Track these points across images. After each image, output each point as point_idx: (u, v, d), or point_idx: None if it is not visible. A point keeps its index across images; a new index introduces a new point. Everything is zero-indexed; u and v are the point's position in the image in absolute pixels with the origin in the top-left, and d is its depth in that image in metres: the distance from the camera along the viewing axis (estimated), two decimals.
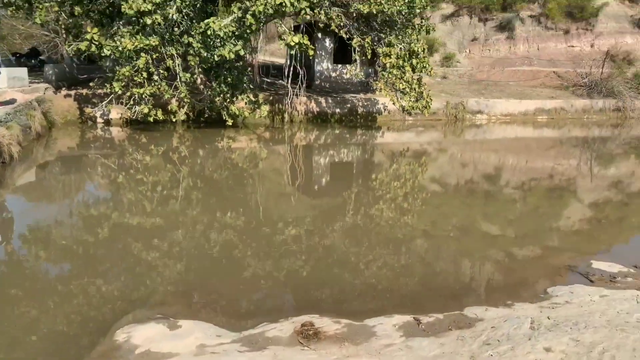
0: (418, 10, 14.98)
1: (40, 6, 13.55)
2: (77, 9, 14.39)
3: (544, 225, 8.22)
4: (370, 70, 20.44)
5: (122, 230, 7.20)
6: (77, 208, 8.51)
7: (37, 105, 14.00)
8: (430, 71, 15.65)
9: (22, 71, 15.55)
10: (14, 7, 13.85)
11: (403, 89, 14.94)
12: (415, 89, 15.07)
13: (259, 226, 7.63)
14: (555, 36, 33.86)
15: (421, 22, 16.73)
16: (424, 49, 15.11)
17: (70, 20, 14.50)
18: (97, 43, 13.21)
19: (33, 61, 21.88)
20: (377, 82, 15.73)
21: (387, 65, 14.75)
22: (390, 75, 14.78)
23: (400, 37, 15.17)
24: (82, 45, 13.47)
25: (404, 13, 14.48)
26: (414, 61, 14.82)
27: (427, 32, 17.20)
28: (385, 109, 19.05)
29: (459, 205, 9.51)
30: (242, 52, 13.01)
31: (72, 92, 16.12)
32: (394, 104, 16.01)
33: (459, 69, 28.46)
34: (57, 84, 16.55)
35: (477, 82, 25.37)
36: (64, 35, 17.89)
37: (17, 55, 22.53)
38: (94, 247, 6.54)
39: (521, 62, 29.14)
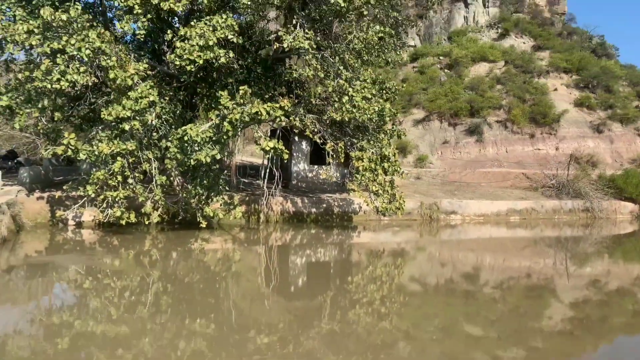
0: (388, 118, 15.78)
1: (21, 112, 13.81)
2: (58, 115, 14.71)
3: (526, 325, 8.05)
4: (345, 171, 20.99)
5: (85, 339, 6.77)
6: (37, 315, 8.02)
7: (7, 209, 13.74)
8: (402, 174, 16.15)
9: None
10: None
11: (376, 191, 15.28)
12: (388, 191, 15.42)
13: (230, 333, 7.27)
14: (522, 140, 35.75)
15: (392, 127, 17.59)
16: (394, 153, 15.71)
17: (50, 126, 14.73)
18: (73, 148, 13.33)
19: (10, 163, 21.87)
20: (351, 184, 16.10)
21: (360, 168, 15.19)
22: (363, 178, 15.17)
23: (372, 142, 15.82)
24: (59, 150, 13.58)
25: (374, 120, 15.22)
26: (386, 164, 15.34)
27: (399, 136, 18.02)
28: (360, 209, 19.29)
29: (440, 306, 9.32)
30: (218, 156, 13.28)
31: (45, 195, 15.96)
32: (367, 205, 16.26)
33: (432, 170, 29.45)
34: (31, 187, 16.41)
35: (450, 182, 26.15)
36: (43, 139, 18.10)
37: None
38: (53, 358, 6.07)
39: (491, 164, 30.37)
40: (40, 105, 13.87)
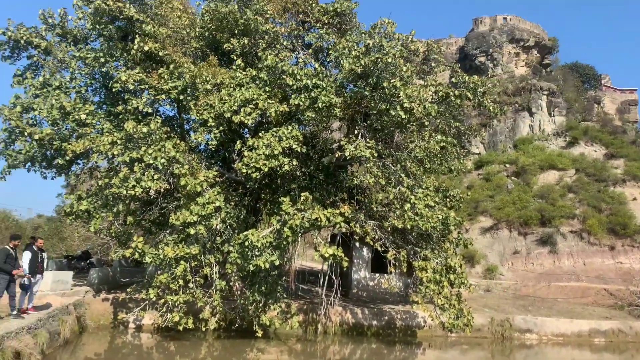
0: (452, 227, 15.26)
1: (97, 216, 14.66)
2: (130, 219, 15.49)
3: None
4: (409, 280, 20.10)
5: None
6: None
7: (73, 309, 14.10)
8: (469, 287, 15.18)
9: (67, 275, 16.13)
10: (73, 217, 15.04)
11: (442, 304, 14.35)
12: (454, 305, 14.44)
13: None
14: (601, 252, 33.23)
15: (458, 236, 16.95)
16: (461, 264, 14.94)
17: (121, 229, 15.47)
18: (140, 251, 13.79)
19: (83, 263, 22.93)
20: (415, 295, 15.27)
21: (424, 279, 14.48)
22: (427, 290, 14.38)
23: (436, 251, 15.22)
24: (127, 253, 14.09)
25: (438, 229, 14.76)
26: (452, 276, 14.54)
27: (465, 245, 17.28)
28: (425, 323, 18.05)
29: None
30: (277, 262, 13.20)
31: (110, 296, 16.32)
32: (432, 320, 15.23)
33: (502, 282, 27.62)
34: (98, 287, 16.91)
35: (523, 297, 24.28)
36: (115, 241, 18.98)
37: (69, 257, 23.79)
38: None
39: (568, 278, 28.14)
40: (115, 210, 14.70)
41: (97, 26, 16.01)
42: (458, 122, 18.07)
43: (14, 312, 11.39)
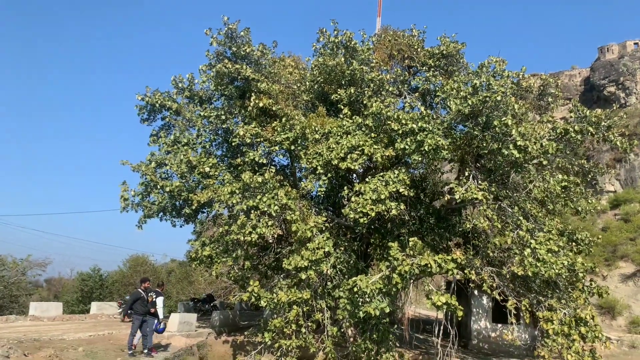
0: (581, 274, 13.81)
1: (218, 261, 15.70)
2: (247, 263, 16.33)
3: None
4: (536, 332, 18.37)
5: None
6: None
7: (196, 350, 15.01)
8: (606, 342, 13.44)
9: (192, 317, 17.28)
10: (198, 262, 16.27)
11: None
12: None
13: None
14: None
15: (590, 284, 15.29)
16: (593, 315, 13.36)
17: (240, 273, 16.35)
18: (256, 295, 14.40)
19: (207, 306, 24.42)
20: (541, 349, 13.86)
21: (550, 331, 13.15)
22: (554, 344, 13.02)
23: (563, 300, 13.82)
24: (244, 296, 14.80)
25: (564, 276, 13.46)
26: (583, 329, 13.01)
27: (600, 295, 15.49)
28: None
29: None
30: (387, 309, 12.92)
31: (230, 339, 17.12)
32: None
33: None
34: (219, 330, 17.85)
35: None
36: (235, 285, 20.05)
37: (195, 300, 25.53)
38: None
39: None
40: (234, 255, 15.64)
41: (219, 87, 17.67)
42: (582, 159, 16.64)
43: (145, 351, 12.45)
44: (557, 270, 12.96)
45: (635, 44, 72.13)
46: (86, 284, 34.51)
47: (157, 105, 18.93)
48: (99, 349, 12.35)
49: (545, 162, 14.43)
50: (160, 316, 13.46)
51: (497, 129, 13.92)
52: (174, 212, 18.27)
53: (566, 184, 14.78)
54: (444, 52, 18.57)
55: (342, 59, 17.03)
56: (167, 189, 16.69)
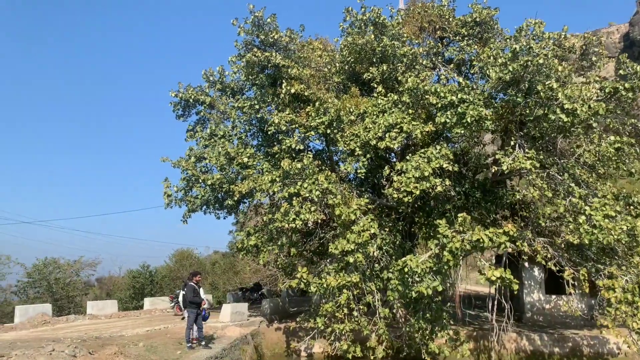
0: None
1: (264, 249, 15.79)
2: (293, 250, 16.38)
3: None
4: (593, 301, 17.77)
5: None
6: None
7: (251, 339, 15.20)
8: None
9: (243, 306, 17.51)
10: (244, 252, 16.41)
11: (638, 328, 12.32)
12: None
13: None
14: None
15: None
16: None
17: (286, 260, 16.42)
18: (305, 281, 14.42)
19: (255, 295, 24.75)
20: (603, 318, 13.36)
21: (612, 300, 12.64)
22: (617, 312, 12.50)
23: (624, 267, 13.24)
24: (293, 283, 14.86)
25: (623, 242, 12.87)
26: None
27: None
28: (619, 351, 15.66)
29: None
30: (440, 288, 12.69)
31: (282, 326, 17.28)
32: (628, 347, 13.15)
33: None
34: (270, 317, 18.04)
35: None
36: (282, 272, 20.21)
37: (243, 289, 25.92)
38: None
39: None
40: (279, 243, 15.70)
41: (250, 77, 17.58)
42: (634, 119, 15.78)
43: (203, 343, 12.66)
44: (616, 236, 12.41)
45: None
46: (137, 280, 35.55)
47: (191, 100, 19.06)
48: (158, 344, 12.63)
49: (595, 125, 13.75)
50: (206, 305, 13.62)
51: (541, 93, 13.32)
52: (216, 205, 18.46)
53: (620, 145, 14.06)
54: (477, 19, 17.88)
55: (372, 36, 16.62)
56: (209, 182, 16.84)
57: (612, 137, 14.33)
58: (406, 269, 12.58)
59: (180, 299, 13.54)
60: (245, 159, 16.66)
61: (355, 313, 14.49)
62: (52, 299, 27.40)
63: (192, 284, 12.72)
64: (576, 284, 14.50)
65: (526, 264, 18.80)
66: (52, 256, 31.88)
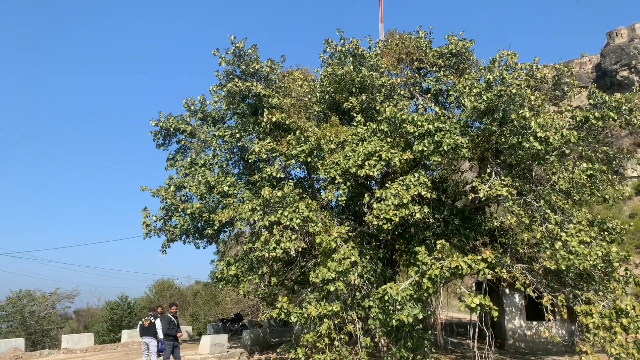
0: (617, 263, 13.41)
1: (244, 279, 15.61)
2: (274, 280, 16.22)
3: None
4: (573, 327, 17.87)
5: None
6: None
7: None
8: None
9: (223, 338, 17.18)
10: (224, 282, 16.20)
11: (617, 354, 12.40)
12: (634, 355, 12.37)
13: None
14: None
15: (626, 273, 14.86)
16: (634, 305, 12.91)
17: (267, 290, 16.24)
18: (285, 310, 14.26)
19: (236, 325, 24.32)
20: (582, 344, 13.43)
21: (590, 325, 12.74)
22: (596, 338, 12.60)
23: (601, 292, 13.40)
24: (274, 313, 14.66)
25: (599, 267, 13.07)
26: (624, 321, 12.57)
27: (637, 284, 15.02)
28: None
29: None
30: (420, 316, 12.66)
31: (263, 357, 16.99)
32: None
33: None
34: (251, 349, 17.72)
35: None
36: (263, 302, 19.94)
37: (224, 320, 25.44)
38: None
39: None
40: (260, 272, 15.55)
41: (231, 106, 17.71)
42: (605, 146, 16.26)
43: None
44: (591, 262, 12.60)
45: None
46: (115, 312, 34.69)
47: (172, 129, 19.06)
48: None
49: (568, 152, 14.11)
50: (160, 336, 13.54)
51: (515, 122, 13.67)
52: (196, 234, 18.25)
53: (592, 172, 14.42)
54: (453, 50, 18.41)
55: (351, 67, 16.98)
56: (188, 211, 16.70)
57: (585, 165, 14.71)
58: (386, 297, 12.55)
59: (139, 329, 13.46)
60: (226, 188, 16.61)
61: (336, 343, 14.30)
62: (25, 333, 26.53)
63: (168, 315, 12.50)
64: (556, 310, 14.61)
65: (507, 291, 18.91)
66: (27, 288, 30.97)
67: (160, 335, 13.40)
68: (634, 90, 15.55)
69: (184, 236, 18.25)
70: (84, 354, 18.49)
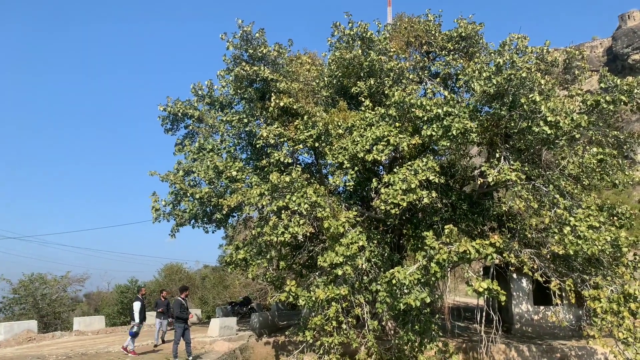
0: (625, 248, 13.37)
1: (253, 263, 15.74)
2: (282, 264, 16.34)
3: None
4: (580, 312, 17.91)
5: None
6: None
7: (239, 354, 15.10)
8: None
9: (232, 321, 17.39)
10: (233, 266, 16.35)
11: (624, 338, 12.44)
12: None
13: None
14: None
15: (635, 258, 14.82)
16: None
17: (275, 274, 16.38)
18: (294, 294, 14.39)
19: (245, 309, 24.57)
20: (590, 329, 13.47)
21: (598, 310, 12.77)
22: (603, 322, 12.63)
23: (609, 277, 13.40)
24: (282, 296, 14.80)
25: (608, 252, 13.04)
26: (632, 305, 12.58)
27: None
28: None
29: None
30: (428, 300, 12.74)
31: (271, 340, 17.18)
32: (615, 356, 13.26)
33: None
34: (259, 332, 17.93)
35: None
36: (271, 286, 20.12)
37: (232, 303, 25.71)
38: None
39: None
40: (268, 256, 15.65)
41: (239, 91, 17.67)
42: (616, 131, 16.09)
43: (190, 358, 12.55)
44: (600, 247, 12.57)
45: None
46: (125, 295, 35.09)
47: (180, 114, 19.09)
48: None
49: (578, 136, 13.99)
50: (136, 320, 14.04)
51: (525, 106, 13.56)
52: (205, 219, 18.38)
53: (602, 156, 14.32)
54: (462, 34, 18.20)
55: (359, 51, 16.84)
56: (197, 196, 16.79)
57: (595, 149, 14.59)
58: (394, 281, 12.63)
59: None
60: (234, 173, 16.67)
61: (344, 326, 14.46)
62: (38, 315, 26.96)
63: (179, 299, 12.67)
64: (563, 294, 14.63)
65: (514, 275, 18.94)
66: (39, 272, 31.39)
67: (136, 318, 13.92)
68: None
69: (193, 220, 18.38)
70: (96, 336, 18.81)
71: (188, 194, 17.20)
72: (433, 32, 18.69)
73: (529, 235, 15.57)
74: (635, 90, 13.99)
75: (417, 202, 14.05)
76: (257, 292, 31.73)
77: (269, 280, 17.46)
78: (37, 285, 28.48)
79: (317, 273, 15.84)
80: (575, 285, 14.05)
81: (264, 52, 16.83)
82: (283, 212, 14.45)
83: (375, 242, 15.93)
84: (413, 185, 13.58)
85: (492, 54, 16.64)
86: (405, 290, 13.03)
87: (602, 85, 14.66)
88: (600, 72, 15.53)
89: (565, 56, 17.92)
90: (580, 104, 14.46)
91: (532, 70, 14.02)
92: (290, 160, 16.38)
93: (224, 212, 16.45)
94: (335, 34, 18.35)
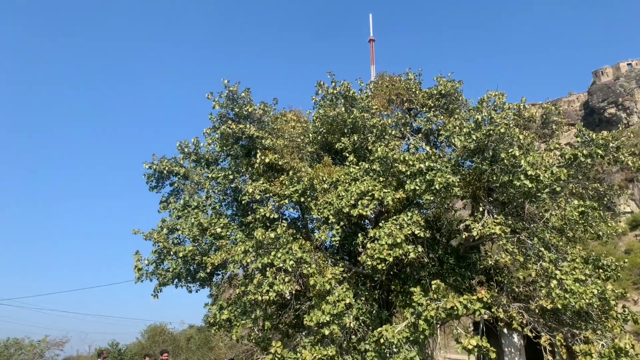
0: (613, 301, 13.28)
1: (237, 324, 15.28)
2: (267, 324, 15.89)
3: None
4: None
5: None
6: None
7: None
8: None
9: None
10: (217, 327, 15.86)
11: None
12: None
13: None
14: None
15: (623, 311, 14.69)
16: (633, 344, 12.71)
17: (260, 335, 15.88)
18: (279, 356, 13.90)
19: None
20: None
21: None
22: None
23: (599, 331, 13.21)
24: (267, 359, 14.28)
25: (596, 305, 12.93)
26: None
27: (635, 321, 14.83)
28: None
29: None
30: (417, 359, 12.38)
31: None
32: None
33: None
34: None
35: None
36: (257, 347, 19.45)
37: None
38: None
39: None
40: (253, 316, 15.23)
41: (225, 148, 17.82)
42: (596, 183, 16.39)
43: None
44: (587, 300, 12.48)
45: (628, 64, 73.03)
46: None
47: (165, 171, 19.08)
48: None
49: (558, 189, 14.20)
50: None
51: (505, 161, 13.82)
52: (188, 277, 17.97)
53: (583, 209, 14.49)
54: (442, 91, 18.78)
55: (343, 109, 17.24)
56: (181, 254, 16.50)
57: (576, 202, 14.79)
58: (382, 340, 12.32)
59: None
60: (219, 229, 16.50)
61: None
62: None
63: None
64: (555, 349, 14.32)
65: (505, 331, 18.56)
66: (16, 336, 30.07)
67: None
68: (620, 128, 15.84)
69: (176, 280, 17.96)
70: None
71: (172, 253, 16.91)
72: (414, 90, 19.28)
73: (517, 289, 15.46)
74: (611, 144, 14.40)
75: (403, 257, 13.95)
76: (242, 353, 30.63)
77: (254, 341, 16.90)
78: (13, 352, 27.23)
79: (303, 333, 15.39)
80: (566, 340, 13.81)
81: (250, 110, 17.14)
82: (268, 269, 14.22)
83: (363, 298, 15.65)
84: (399, 240, 13.53)
85: (472, 111, 17.12)
86: (395, 349, 12.70)
87: (579, 139, 15.07)
88: (577, 127, 16.00)
89: (542, 112, 18.51)
90: (559, 157, 14.79)
91: (511, 125, 14.41)
92: (276, 216, 16.29)
93: (208, 270, 16.15)
94: (320, 93, 18.84)
